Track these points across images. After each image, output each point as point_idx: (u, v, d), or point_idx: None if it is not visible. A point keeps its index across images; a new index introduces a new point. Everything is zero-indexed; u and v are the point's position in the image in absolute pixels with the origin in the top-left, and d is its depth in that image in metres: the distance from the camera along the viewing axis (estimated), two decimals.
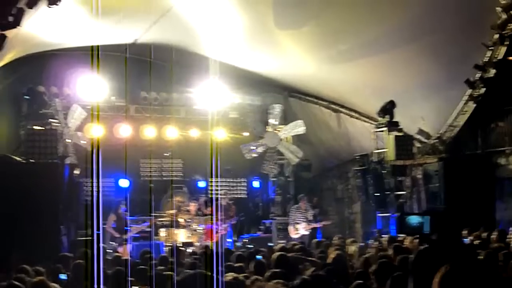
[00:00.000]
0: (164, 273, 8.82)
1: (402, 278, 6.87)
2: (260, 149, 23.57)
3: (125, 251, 18.72)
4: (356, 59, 19.48)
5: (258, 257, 13.49)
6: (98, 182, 21.34)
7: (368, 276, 8.88)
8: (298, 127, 23.52)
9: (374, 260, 9.62)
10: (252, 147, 23.53)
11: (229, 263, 10.77)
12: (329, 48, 19.67)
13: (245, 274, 7.88)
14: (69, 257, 13.05)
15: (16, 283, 7.56)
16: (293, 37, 19.74)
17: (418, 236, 12.37)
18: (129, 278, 8.90)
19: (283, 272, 8.64)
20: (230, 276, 7.11)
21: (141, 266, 9.72)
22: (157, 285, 6.69)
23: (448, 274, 2.61)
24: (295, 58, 20.79)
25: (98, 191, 21.38)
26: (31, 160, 17.74)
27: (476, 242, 12.85)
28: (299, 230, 21.08)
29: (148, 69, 19.54)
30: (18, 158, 18.32)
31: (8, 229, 14.42)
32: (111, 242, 19.01)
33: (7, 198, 14.82)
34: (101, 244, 17.34)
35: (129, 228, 19.47)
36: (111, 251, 17.84)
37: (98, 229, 18.52)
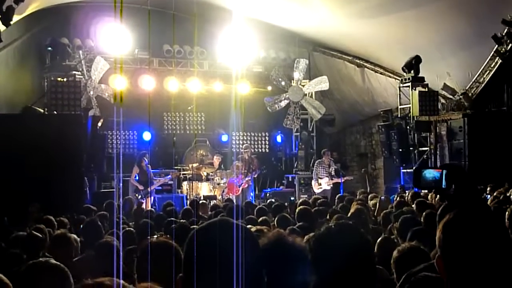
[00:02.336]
0: (193, 226, 8.82)
1: (423, 232, 6.86)
2: (283, 103, 23.45)
3: (148, 203, 18.82)
4: (384, 15, 19.19)
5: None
6: (121, 134, 21.56)
7: (390, 231, 8.87)
8: (322, 83, 23.36)
9: (395, 215, 9.56)
10: (275, 100, 23.42)
11: (251, 216, 10.79)
12: (357, 2, 19.37)
13: (267, 227, 7.86)
14: (92, 208, 13.14)
15: (35, 233, 7.59)
16: None
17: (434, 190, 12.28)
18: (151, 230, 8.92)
19: (305, 225, 8.64)
20: (253, 228, 7.10)
21: (169, 219, 9.73)
22: (181, 237, 6.68)
23: (451, 221, 2.60)
24: (321, 13, 20.52)
25: (121, 144, 21.56)
26: (54, 112, 17.77)
27: (499, 198, 12.74)
28: (322, 184, 21.05)
29: (171, 22, 19.43)
30: (41, 110, 18.37)
31: (31, 180, 14.46)
32: (136, 194, 19.05)
33: (30, 149, 14.83)
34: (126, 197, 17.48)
35: (151, 181, 19.53)
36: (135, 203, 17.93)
37: (120, 182, 18.76)
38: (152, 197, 19.49)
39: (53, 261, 4.24)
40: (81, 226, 9.40)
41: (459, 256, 2.53)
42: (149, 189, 19.21)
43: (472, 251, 2.50)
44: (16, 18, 14.77)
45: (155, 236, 4.55)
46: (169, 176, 20.72)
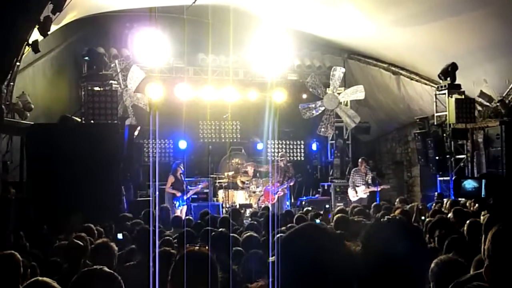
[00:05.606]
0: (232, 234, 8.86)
1: (460, 241, 6.80)
2: (318, 111, 23.39)
3: (183, 212, 18.91)
4: (421, 24, 19.06)
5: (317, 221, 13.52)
6: (157, 143, 21.68)
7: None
8: (358, 92, 23.24)
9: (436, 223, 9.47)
10: (310, 107, 23.36)
11: (292, 224, 10.76)
12: (393, 11, 19.23)
13: None
14: (129, 217, 13.20)
15: (76, 241, 7.63)
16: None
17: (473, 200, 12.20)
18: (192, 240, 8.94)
19: (344, 234, 8.60)
20: None
21: (207, 228, 9.75)
22: (220, 245, 6.70)
23: (499, 232, 2.59)
24: (355, 20, 20.46)
25: (157, 153, 21.67)
26: (91, 121, 17.93)
27: None
28: (358, 193, 20.97)
29: (206, 31, 19.48)
30: (78, 119, 18.53)
31: (69, 189, 14.55)
32: (174, 202, 19.14)
33: (67, 158, 14.93)
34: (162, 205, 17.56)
35: (187, 189, 19.62)
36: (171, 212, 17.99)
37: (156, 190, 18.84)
38: (187, 205, 19.57)
39: (107, 269, 4.26)
40: (134, 232, 9.45)
41: (508, 265, 2.53)
42: (184, 197, 19.31)
43: None
44: (53, 28, 14.93)
45: (197, 247, 4.55)
46: (201, 184, 20.71)
